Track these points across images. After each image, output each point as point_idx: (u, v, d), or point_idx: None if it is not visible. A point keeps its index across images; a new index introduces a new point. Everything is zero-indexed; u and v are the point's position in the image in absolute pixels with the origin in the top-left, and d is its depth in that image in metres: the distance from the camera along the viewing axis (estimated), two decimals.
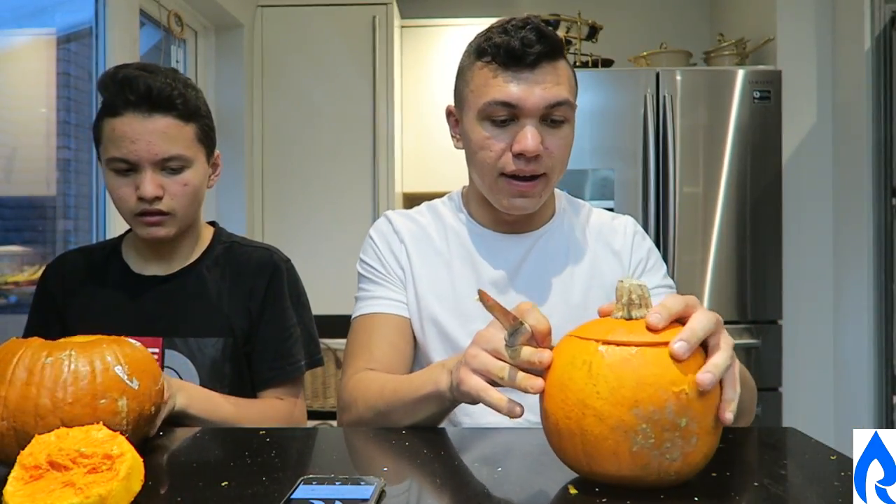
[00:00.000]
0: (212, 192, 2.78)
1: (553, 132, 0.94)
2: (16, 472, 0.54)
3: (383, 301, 1.03)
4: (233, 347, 1.11)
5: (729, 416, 0.57)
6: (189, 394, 0.94)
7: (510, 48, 0.91)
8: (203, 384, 1.07)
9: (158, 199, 1.03)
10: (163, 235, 1.06)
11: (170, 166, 1.04)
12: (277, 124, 2.81)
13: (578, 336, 0.62)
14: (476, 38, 0.98)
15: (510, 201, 0.96)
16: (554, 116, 0.93)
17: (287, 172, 2.81)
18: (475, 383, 0.69)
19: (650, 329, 0.59)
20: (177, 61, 2.59)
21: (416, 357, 1.04)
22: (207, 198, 2.74)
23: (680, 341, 0.56)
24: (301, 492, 0.58)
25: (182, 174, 1.05)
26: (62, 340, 0.74)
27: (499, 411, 0.66)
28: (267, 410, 1.09)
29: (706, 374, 0.56)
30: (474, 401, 0.70)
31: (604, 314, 0.65)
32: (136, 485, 0.56)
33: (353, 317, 1.05)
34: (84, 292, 1.13)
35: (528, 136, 0.91)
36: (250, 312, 1.13)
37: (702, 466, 0.59)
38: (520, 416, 0.66)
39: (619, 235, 1.07)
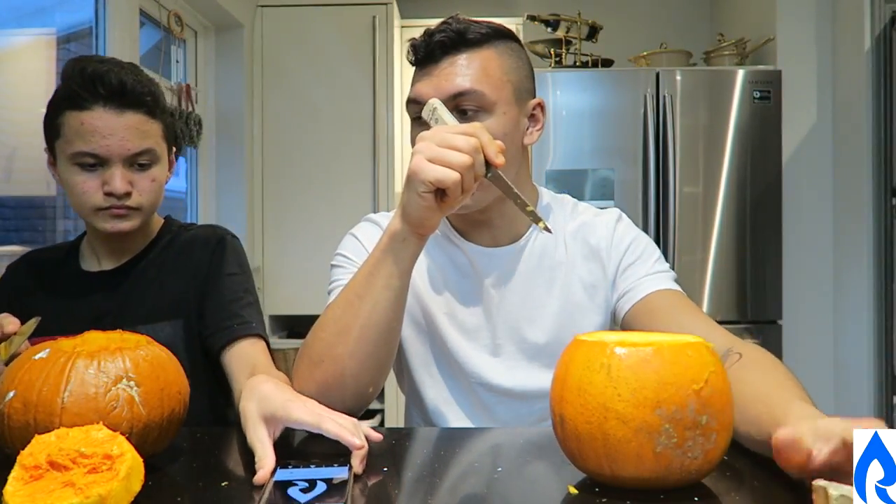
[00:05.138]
0: (212, 192, 2.78)
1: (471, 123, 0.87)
2: (16, 472, 0.54)
3: None
4: (185, 329, 1.08)
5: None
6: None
7: (414, 46, 0.92)
8: None
9: (128, 195, 1.02)
10: (127, 228, 1.05)
11: (139, 161, 1.03)
12: (277, 124, 2.81)
13: (588, 339, 0.62)
14: None
15: None
16: (463, 107, 0.90)
17: (287, 172, 2.81)
18: (435, 169, 0.73)
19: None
20: (177, 61, 2.59)
21: (397, 358, 1.01)
22: (208, 197, 2.75)
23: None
24: (281, 475, 0.62)
25: (150, 170, 1.05)
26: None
27: (465, 169, 0.74)
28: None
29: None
30: (432, 184, 0.74)
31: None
32: (136, 485, 0.56)
33: (326, 306, 0.95)
34: (35, 295, 1.11)
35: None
36: (197, 286, 1.10)
37: (717, 463, 0.59)
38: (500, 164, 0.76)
39: (599, 231, 1.03)
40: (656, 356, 0.56)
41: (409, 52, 0.94)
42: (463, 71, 0.90)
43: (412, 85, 0.94)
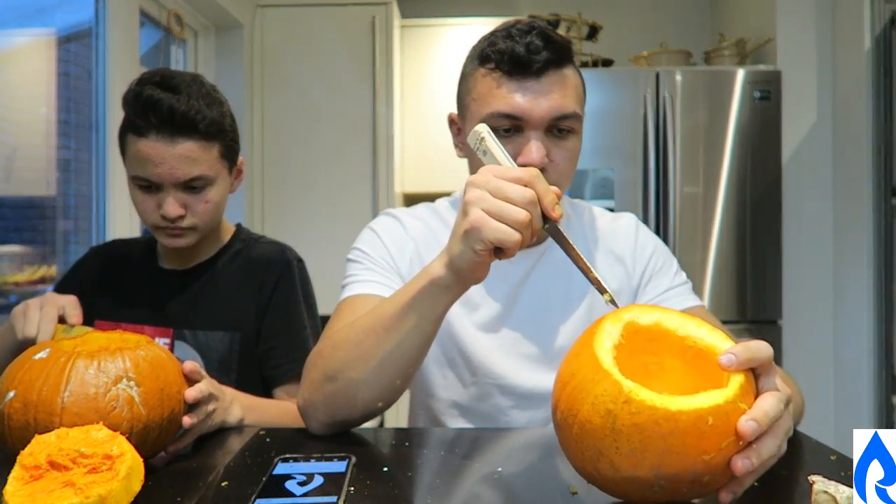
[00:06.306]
0: None
1: (559, 143, 0.90)
2: (16, 472, 0.54)
3: (378, 285, 0.94)
4: (241, 343, 1.11)
5: (728, 497, 0.52)
6: (242, 404, 0.90)
7: (515, 55, 0.86)
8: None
9: (181, 217, 1.05)
10: (183, 245, 1.09)
11: (192, 185, 1.05)
12: (277, 124, 2.81)
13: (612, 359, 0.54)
14: (479, 42, 0.93)
15: None
16: (561, 127, 0.89)
17: (287, 172, 2.81)
18: (498, 228, 0.66)
19: (723, 367, 0.52)
20: (177, 61, 2.58)
21: None
22: None
23: (751, 421, 0.49)
24: (281, 468, 0.63)
25: (205, 192, 1.07)
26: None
27: (524, 229, 0.66)
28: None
29: (750, 422, 0.49)
30: (491, 243, 0.67)
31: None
32: (136, 485, 0.56)
33: (339, 300, 0.95)
34: (113, 280, 1.17)
35: (534, 150, 0.86)
36: (259, 307, 1.13)
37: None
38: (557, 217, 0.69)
39: (620, 238, 1.04)
40: (670, 423, 0.49)
41: (492, 54, 0.88)
42: (568, 91, 0.89)
43: (497, 96, 0.88)
